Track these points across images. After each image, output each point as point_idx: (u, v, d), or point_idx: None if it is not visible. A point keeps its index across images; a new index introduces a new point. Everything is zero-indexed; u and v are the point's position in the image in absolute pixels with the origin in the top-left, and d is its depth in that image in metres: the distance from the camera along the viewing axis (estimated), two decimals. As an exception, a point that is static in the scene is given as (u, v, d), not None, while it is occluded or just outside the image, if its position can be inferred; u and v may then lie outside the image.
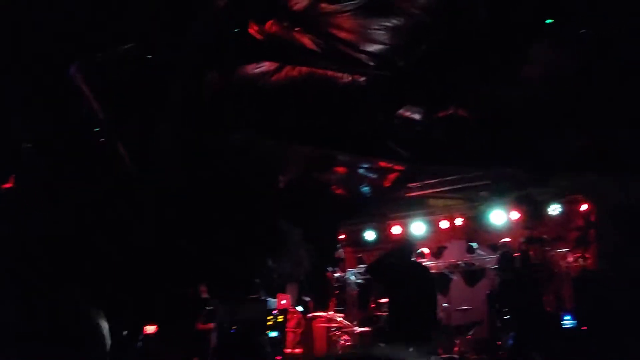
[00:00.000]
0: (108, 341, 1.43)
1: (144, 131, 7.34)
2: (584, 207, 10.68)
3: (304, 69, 7.28)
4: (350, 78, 7.33)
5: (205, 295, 8.80)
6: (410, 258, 7.93)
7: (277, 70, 7.30)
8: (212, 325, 8.50)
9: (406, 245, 8.28)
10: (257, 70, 7.36)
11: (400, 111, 7.90)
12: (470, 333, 10.10)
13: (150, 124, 7.30)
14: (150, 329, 8.39)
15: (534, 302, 7.31)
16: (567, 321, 8.91)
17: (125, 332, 8.04)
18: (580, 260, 10.63)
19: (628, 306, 6.88)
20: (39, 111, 6.60)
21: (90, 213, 7.05)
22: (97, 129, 6.83)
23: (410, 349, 6.68)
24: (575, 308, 9.00)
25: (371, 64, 6.88)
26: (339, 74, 7.34)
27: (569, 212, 10.93)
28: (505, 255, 8.11)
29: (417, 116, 7.93)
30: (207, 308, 8.60)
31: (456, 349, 9.79)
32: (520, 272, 7.94)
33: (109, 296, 6.90)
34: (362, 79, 7.30)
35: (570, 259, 10.72)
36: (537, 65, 6.41)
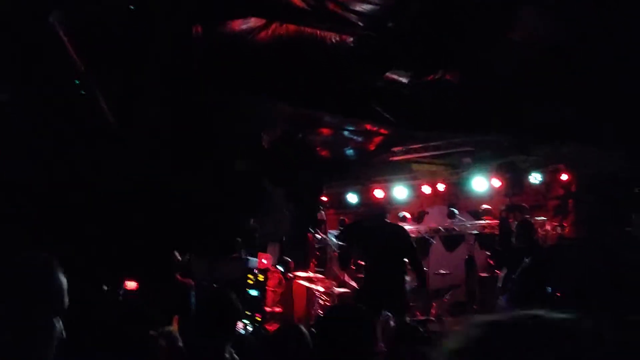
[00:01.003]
0: (64, 297, 1.40)
1: (126, 86, 7.18)
2: (564, 176, 10.80)
3: (292, 27, 7.13)
4: (338, 38, 7.21)
5: (186, 253, 8.78)
6: (383, 220, 8.00)
7: (264, 27, 7.14)
8: (192, 281, 8.48)
9: (378, 209, 8.34)
10: (243, 27, 7.20)
11: (388, 74, 7.82)
12: (447, 296, 10.30)
13: (132, 79, 7.14)
14: (131, 284, 8.40)
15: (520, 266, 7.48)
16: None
17: (105, 287, 8.04)
18: (558, 228, 10.82)
19: (603, 273, 7.04)
20: (17, 62, 6.40)
21: (69, 167, 6.94)
22: (77, 82, 6.66)
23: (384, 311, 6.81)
24: (552, 274, 9.18)
25: (360, 24, 6.76)
26: (327, 34, 7.21)
27: (550, 181, 11.06)
28: (523, 225, 8.20)
29: (404, 79, 7.85)
30: (187, 264, 8.59)
31: (433, 311, 9.99)
32: (531, 240, 8.01)
33: (87, 251, 6.87)
34: (351, 39, 7.18)
35: (549, 227, 10.90)
36: (525, 31, 6.35)
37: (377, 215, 8.09)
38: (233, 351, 3.63)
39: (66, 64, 6.52)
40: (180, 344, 4.21)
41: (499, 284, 8.05)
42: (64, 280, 1.43)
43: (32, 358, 1.36)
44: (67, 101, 6.81)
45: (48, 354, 1.38)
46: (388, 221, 8.25)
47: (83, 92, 6.68)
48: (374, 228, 7.79)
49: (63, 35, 6.39)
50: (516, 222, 9.19)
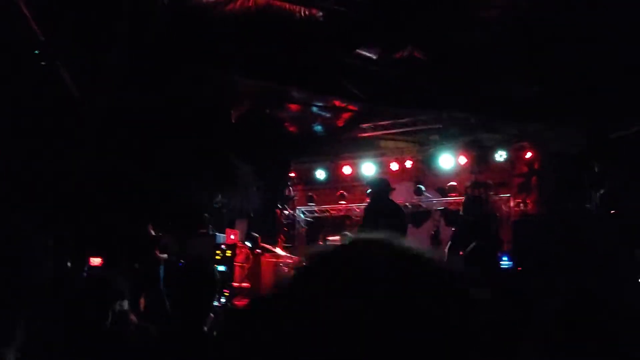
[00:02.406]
0: (48, 262, 1.38)
1: (89, 55, 6.99)
2: (528, 154, 11.02)
3: (260, -1, 7.03)
4: (307, 12, 7.13)
5: (153, 229, 8.71)
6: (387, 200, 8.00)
7: (232, -1, 7.01)
8: (166, 256, 8.48)
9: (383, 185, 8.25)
10: (210, -2, 7.06)
11: (357, 50, 7.79)
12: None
13: (96, 48, 6.94)
14: (95, 261, 8.30)
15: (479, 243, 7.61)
16: (504, 262, 9.34)
17: (69, 264, 7.93)
18: (522, 205, 11.07)
19: (563, 248, 7.24)
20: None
21: (31, 138, 6.75)
22: (37, 52, 6.44)
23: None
24: (513, 250, 9.42)
25: (329, -2, 6.71)
26: (296, 7, 7.12)
27: (515, 158, 11.27)
28: (470, 198, 8.35)
29: (373, 55, 7.84)
30: (156, 241, 8.54)
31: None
32: (480, 214, 8.20)
33: (50, 225, 6.74)
34: (320, 13, 7.12)
35: (512, 203, 11.15)
36: (495, 9, 6.39)
37: (382, 195, 7.96)
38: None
39: (25, 34, 6.31)
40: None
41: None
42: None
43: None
44: (27, 72, 6.60)
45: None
46: (390, 200, 8.20)
47: (43, 63, 6.48)
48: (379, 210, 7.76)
49: (22, 3, 6.17)
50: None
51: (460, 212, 8.61)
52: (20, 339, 1.37)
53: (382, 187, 7.77)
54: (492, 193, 10.92)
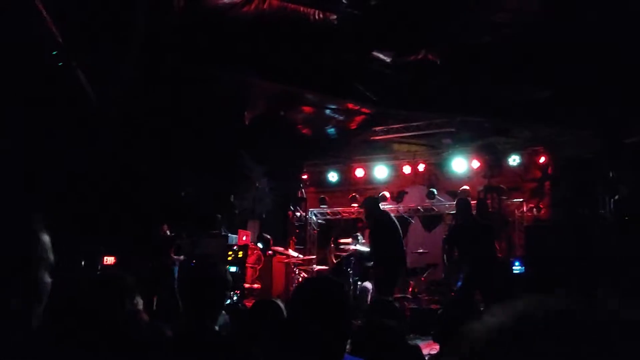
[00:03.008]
0: (50, 255, 1.40)
1: (105, 58, 7.07)
2: (542, 159, 10.95)
3: (275, 2, 7.08)
4: (321, 15, 7.17)
5: (166, 229, 8.77)
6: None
7: (247, 1, 7.07)
8: (175, 257, 8.52)
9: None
10: (226, 0, 7.12)
11: (371, 53, 7.81)
12: (425, 275, 10.46)
13: (112, 51, 7.02)
14: (109, 259, 8.38)
15: (485, 247, 7.57)
16: (517, 267, 9.30)
17: (83, 263, 8.02)
18: (535, 210, 11.00)
19: (574, 253, 7.19)
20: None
21: (46, 137, 6.84)
22: (55, 53, 6.53)
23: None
24: (525, 255, 9.37)
25: (344, 1, 6.73)
26: (311, 10, 7.16)
27: (528, 163, 11.20)
28: (461, 201, 8.35)
29: (387, 59, 7.85)
30: (172, 241, 8.59)
31: (410, 289, 10.15)
32: (475, 217, 8.19)
33: (67, 225, 6.82)
34: (334, 16, 7.15)
35: (525, 208, 11.08)
36: (507, 12, 6.38)
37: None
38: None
39: (44, 35, 6.40)
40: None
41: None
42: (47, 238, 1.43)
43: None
44: (45, 73, 6.70)
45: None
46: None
47: (61, 64, 6.57)
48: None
49: (41, 6, 6.26)
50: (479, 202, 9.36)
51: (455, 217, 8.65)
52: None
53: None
54: (504, 197, 10.87)
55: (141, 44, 7.03)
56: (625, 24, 5.98)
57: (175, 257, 8.46)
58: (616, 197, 8.53)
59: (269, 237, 10.92)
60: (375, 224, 7.94)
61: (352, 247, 9.63)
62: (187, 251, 8.82)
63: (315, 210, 13.11)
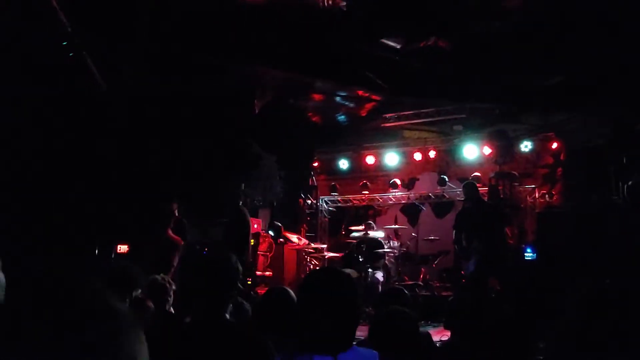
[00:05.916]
0: None
1: (115, 46, 7.09)
2: (554, 145, 10.86)
3: (284, -11, 7.04)
4: (330, 2, 7.12)
5: (177, 214, 8.68)
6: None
7: (256, -11, 7.04)
8: (181, 241, 8.30)
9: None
10: (234, -12, 7.09)
11: (380, 39, 7.76)
12: (436, 262, 10.46)
13: (120, 40, 7.04)
14: (122, 248, 8.43)
15: (494, 231, 7.57)
16: (528, 254, 9.26)
17: (97, 251, 8.09)
18: (546, 196, 10.93)
19: (588, 240, 7.15)
20: (5, 24, 6.29)
21: (58, 128, 6.89)
22: (65, 43, 6.56)
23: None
24: (537, 242, 9.32)
25: (353, -13, 6.68)
26: (320, -3, 7.12)
27: (540, 149, 11.11)
28: (467, 184, 8.36)
29: (397, 45, 7.80)
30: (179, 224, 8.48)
31: (421, 276, 10.16)
32: (482, 200, 8.19)
33: (79, 213, 6.89)
34: (344, 3, 7.10)
35: (537, 195, 11.01)
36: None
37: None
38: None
39: (54, 25, 6.42)
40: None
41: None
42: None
43: None
44: (55, 62, 6.72)
45: None
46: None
47: (71, 54, 6.59)
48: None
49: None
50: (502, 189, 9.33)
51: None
52: None
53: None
54: (516, 184, 10.80)
55: (148, 33, 7.03)
56: (637, 8, 5.89)
57: (173, 236, 8.09)
58: (629, 182, 8.45)
59: (280, 224, 10.95)
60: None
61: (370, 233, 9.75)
62: (196, 238, 8.82)
63: (326, 198, 13.12)
